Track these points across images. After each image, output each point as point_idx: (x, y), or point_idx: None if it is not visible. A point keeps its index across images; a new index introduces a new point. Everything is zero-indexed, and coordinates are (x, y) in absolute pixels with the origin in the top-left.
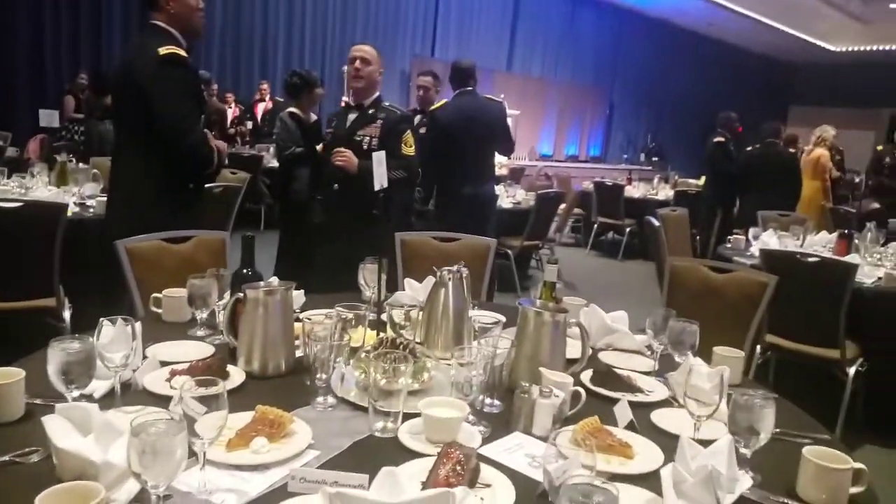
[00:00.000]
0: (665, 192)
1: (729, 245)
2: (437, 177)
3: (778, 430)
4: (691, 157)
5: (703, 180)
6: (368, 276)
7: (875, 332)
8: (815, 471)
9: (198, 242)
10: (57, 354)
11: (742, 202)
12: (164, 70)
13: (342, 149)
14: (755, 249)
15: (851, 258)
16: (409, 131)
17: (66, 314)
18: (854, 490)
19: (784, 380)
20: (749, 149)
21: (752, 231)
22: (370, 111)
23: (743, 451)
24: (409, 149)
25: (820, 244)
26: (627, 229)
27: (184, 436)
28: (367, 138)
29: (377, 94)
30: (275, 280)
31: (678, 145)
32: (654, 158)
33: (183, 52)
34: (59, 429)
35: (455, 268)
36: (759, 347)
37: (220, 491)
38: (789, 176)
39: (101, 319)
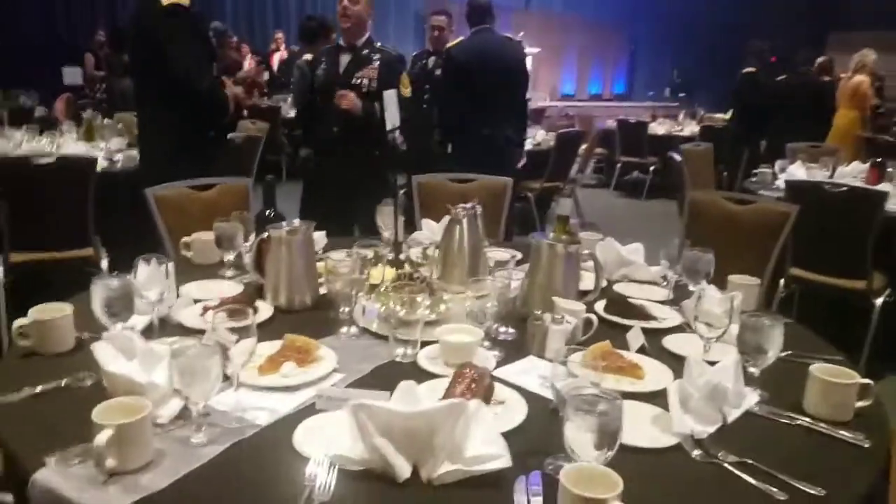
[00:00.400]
0: (690, 128)
1: (755, 179)
2: (454, 118)
3: (789, 351)
4: (719, 91)
5: (729, 114)
6: (386, 217)
7: None
8: (821, 385)
9: (222, 189)
10: (100, 290)
11: (771, 135)
12: (169, 20)
13: (345, 91)
14: (781, 182)
15: (883, 187)
16: (405, 72)
17: (104, 263)
18: (860, 404)
19: (809, 313)
20: (779, 78)
21: (778, 164)
22: (363, 52)
23: (751, 370)
24: (406, 90)
25: (851, 174)
26: (651, 167)
27: (218, 358)
28: (366, 80)
29: (368, 34)
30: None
31: (706, 79)
32: (681, 94)
33: (185, 1)
34: (106, 354)
35: (469, 205)
36: (782, 280)
37: (252, 409)
38: (821, 106)
39: (137, 258)
